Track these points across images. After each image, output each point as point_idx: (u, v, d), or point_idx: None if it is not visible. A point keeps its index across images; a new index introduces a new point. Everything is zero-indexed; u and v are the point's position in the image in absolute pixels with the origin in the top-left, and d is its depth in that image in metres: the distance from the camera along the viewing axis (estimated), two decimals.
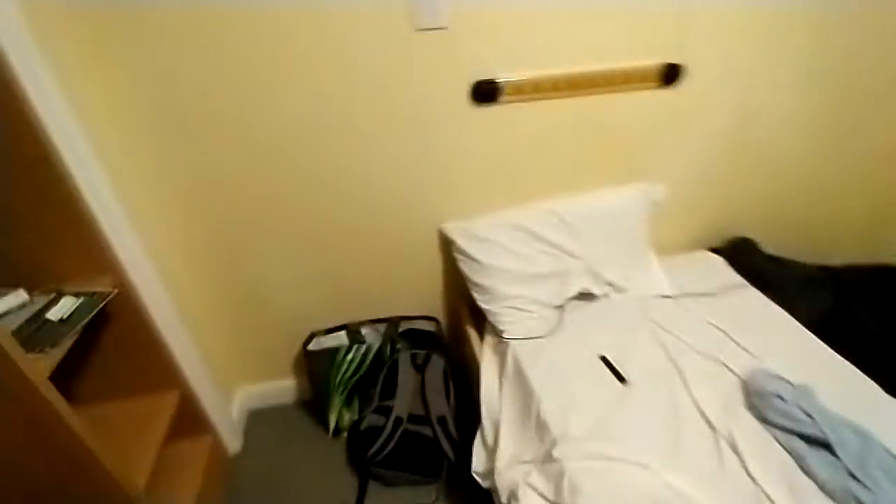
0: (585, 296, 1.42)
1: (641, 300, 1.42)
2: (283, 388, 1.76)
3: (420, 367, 1.61)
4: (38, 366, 0.87)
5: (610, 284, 1.43)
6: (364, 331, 1.65)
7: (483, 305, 1.40)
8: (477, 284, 1.41)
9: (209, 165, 1.28)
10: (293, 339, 1.65)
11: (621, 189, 1.50)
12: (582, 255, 1.41)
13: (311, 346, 1.59)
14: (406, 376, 1.58)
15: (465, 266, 1.43)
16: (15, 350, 0.81)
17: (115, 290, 1.10)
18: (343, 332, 1.64)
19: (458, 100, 1.28)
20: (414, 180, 1.39)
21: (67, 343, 0.94)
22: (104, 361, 1.27)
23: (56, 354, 0.91)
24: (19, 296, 1.03)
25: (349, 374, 1.60)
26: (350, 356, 1.60)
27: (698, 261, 1.61)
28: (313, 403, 1.73)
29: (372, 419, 1.54)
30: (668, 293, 1.45)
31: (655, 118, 1.43)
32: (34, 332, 0.95)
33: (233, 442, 1.62)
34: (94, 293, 1.06)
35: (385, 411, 1.53)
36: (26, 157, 0.96)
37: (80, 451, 0.96)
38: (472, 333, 1.52)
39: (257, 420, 1.74)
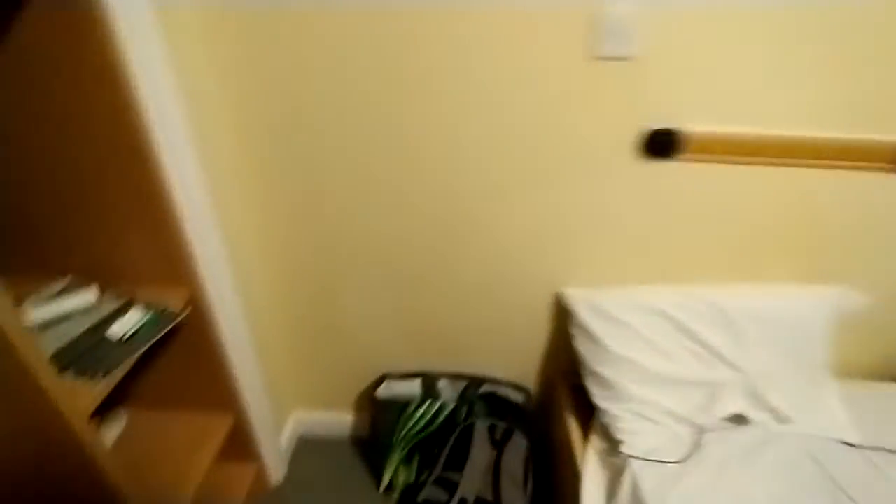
0: (735, 418, 1.09)
1: (813, 442, 1.06)
2: (340, 421, 1.58)
3: (498, 444, 1.36)
4: (80, 403, 0.72)
5: (772, 411, 1.09)
6: (441, 384, 1.43)
7: (598, 402, 1.12)
8: (595, 373, 1.13)
9: (317, 187, 1.12)
10: (362, 375, 1.47)
11: (805, 289, 1.15)
12: (742, 365, 1.09)
13: (380, 392, 1.39)
14: (480, 450, 1.33)
15: (582, 346, 1.16)
16: (53, 384, 0.67)
17: (187, 310, 0.96)
18: (418, 381, 1.42)
19: (622, 148, 1.01)
20: (539, 229, 1.14)
21: (120, 373, 0.79)
22: (162, 369, 1.14)
23: (106, 384, 0.77)
24: (89, 295, 0.91)
25: (416, 430, 1.39)
26: (421, 411, 1.38)
27: (893, 399, 1.21)
28: (369, 447, 1.54)
29: (432, 492, 1.31)
30: (852, 440, 1.08)
31: (877, 208, 1.07)
32: (90, 348, 0.81)
33: (277, 471, 1.47)
34: (164, 310, 0.92)
35: (449, 486, 1.30)
36: (119, 144, 0.83)
37: (112, 496, 0.81)
38: (572, 423, 1.23)
39: (307, 449, 1.58)
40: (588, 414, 1.20)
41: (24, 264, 0.97)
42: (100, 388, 0.76)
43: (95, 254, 0.96)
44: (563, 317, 1.26)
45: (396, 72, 0.97)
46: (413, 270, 1.23)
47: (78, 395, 0.73)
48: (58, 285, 0.95)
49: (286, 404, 1.53)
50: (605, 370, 1.10)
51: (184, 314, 0.94)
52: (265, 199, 1.14)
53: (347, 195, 1.12)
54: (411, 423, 1.38)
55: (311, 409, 1.58)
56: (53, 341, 0.81)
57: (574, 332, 1.17)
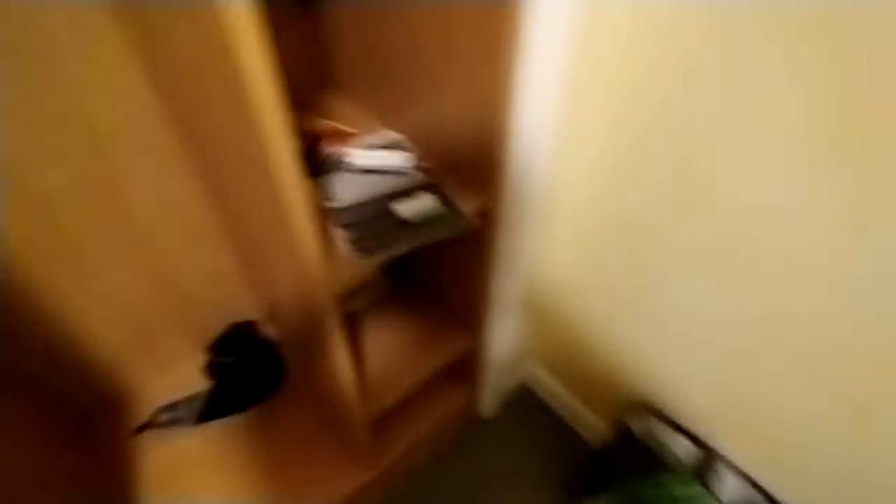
0: None
1: None
2: (571, 404, 1.32)
3: None
4: (337, 275, 0.64)
5: None
6: (723, 473, 0.95)
7: None
8: None
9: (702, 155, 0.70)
10: (621, 384, 1.11)
11: None
12: None
13: (636, 426, 1.02)
14: None
15: None
16: (316, 251, 0.58)
17: (479, 222, 0.78)
18: (691, 447, 0.98)
19: None
20: None
21: (386, 257, 0.68)
22: (428, 260, 1.07)
23: (370, 263, 0.67)
24: (404, 159, 0.83)
25: (656, 500, 1.00)
26: (679, 490, 0.96)
27: None
28: (588, 457, 1.25)
29: None
30: None
31: None
32: (374, 218, 0.72)
33: (488, 408, 1.36)
34: (458, 211, 0.76)
35: None
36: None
37: (336, 380, 0.79)
38: None
39: (526, 405, 1.40)
40: None
41: (374, 107, 0.96)
42: (362, 266, 0.67)
43: (427, 126, 0.85)
44: None
45: None
46: (796, 329, 0.73)
47: (338, 266, 0.65)
48: (386, 137, 0.90)
49: (527, 352, 1.35)
50: None
51: (474, 225, 0.76)
52: (617, 153, 0.81)
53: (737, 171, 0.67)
54: (657, 490, 0.99)
55: (550, 372, 1.35)
56: (350, 193, 0.75)
57: None
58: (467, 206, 0.76)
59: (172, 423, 1.15)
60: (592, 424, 1.27)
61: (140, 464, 1.10)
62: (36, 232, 0.89)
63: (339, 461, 1.11)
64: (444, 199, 0.77)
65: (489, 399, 1.33)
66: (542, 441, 1.33)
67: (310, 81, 1.03)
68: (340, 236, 0.69)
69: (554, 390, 1.36)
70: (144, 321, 1.17)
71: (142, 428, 1.15)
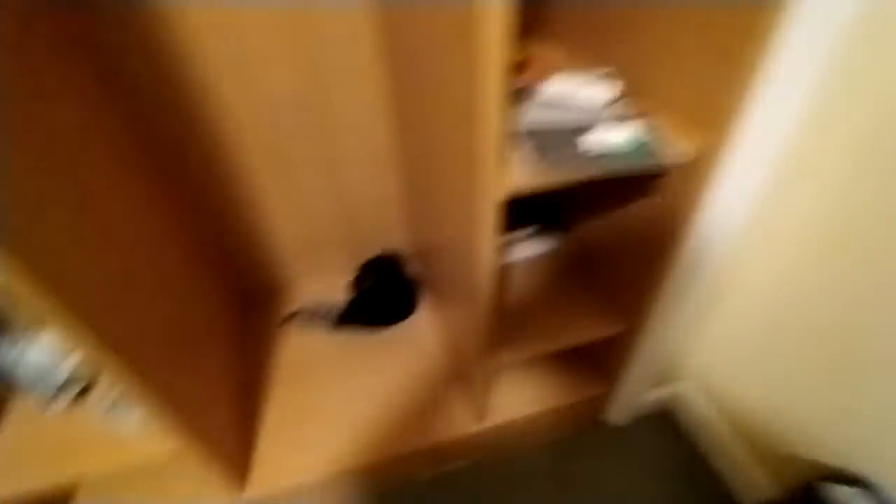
0: None
1: None
2: (731, 451, 1.08)
3: None
4: (502, 182, 0.57)
5: None
6: None
7: None
8: None
9: None
10: (824, 441, 0.85)
11: None
12: None
13: (828, 496, 0.77)
14: None
15: None
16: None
17: (684, 160, 0.63)
18: None
19: None
20: None
21: (558, 178, 0.59)
22: (600, 215, 0.94)
23: (541, 176, 0.59)
24: (608, 92, 0.72)
25: None
26: None
27: None
28: None
29: None
30: None
31: None
32: (559, 142, 0.64)
33: (616, 415, 1.18)
34: (656, 146, 0.63)
35: None
36: None
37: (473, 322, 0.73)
38: None
39: (663, 427, 1.19)
40: None
41: (584, 47, 0.87)
42: (536, 184, 0.59)
43: (640, 56, 0.73)
44: None
45: None
46: None
47: (511, 182, 0.58)
48: (591, 72, 0.80)
49: (685, 368, 1.13)
50: None
51: (674, 163, 0.62)
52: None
53: None
54: None
55: (711, 401, 1.12)
56: (541, 119, 0.68)
57: None
58: (686, 137, 0.63)
59: (313, 319, 1.25)
60: (750, 476, 1.01)
61: (281, 345, 1.22)
62: (254, 119, 1.01)
63: (451, 404, 1.08)
64: (645, 133, 0.65)
65: (622, 405, 1.15)
66: (670, 474, 1.11)
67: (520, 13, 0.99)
68: (522, 154, 0.62)
69: (709, 423, 1.12)
70: (316, 227, 1.27)
71: (289, 317, 1.27)
